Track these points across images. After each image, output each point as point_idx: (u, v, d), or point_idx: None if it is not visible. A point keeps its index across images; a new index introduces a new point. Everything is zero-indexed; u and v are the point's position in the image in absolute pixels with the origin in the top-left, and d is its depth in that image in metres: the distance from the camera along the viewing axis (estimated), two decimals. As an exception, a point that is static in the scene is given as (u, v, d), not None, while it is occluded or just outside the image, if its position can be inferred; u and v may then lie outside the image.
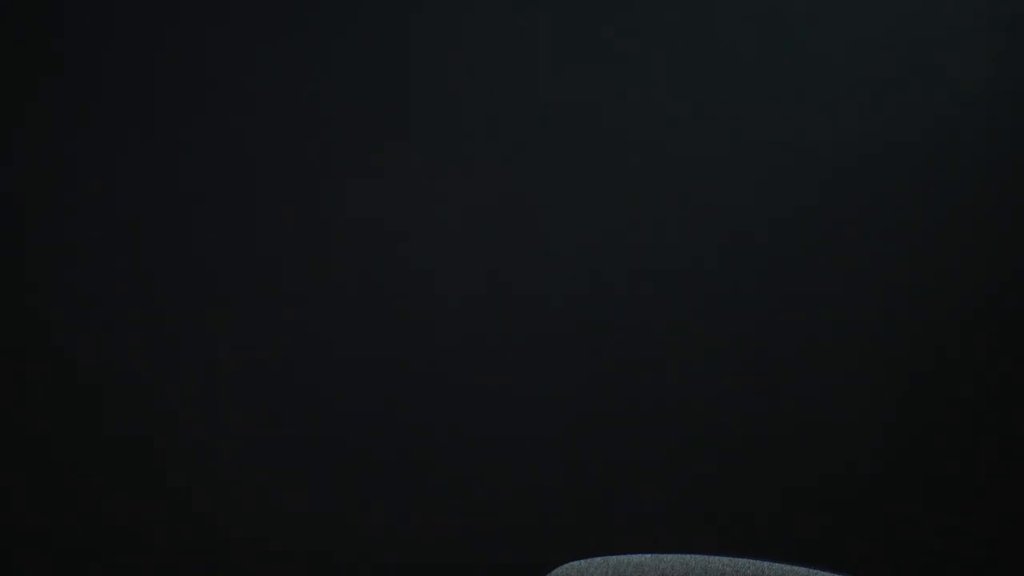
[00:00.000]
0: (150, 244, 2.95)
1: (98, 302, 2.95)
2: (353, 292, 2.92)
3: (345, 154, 2.92)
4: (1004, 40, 2.78)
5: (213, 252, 2.94)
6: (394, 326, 2.91)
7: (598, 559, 1.78)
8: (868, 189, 2.81)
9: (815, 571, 1.70)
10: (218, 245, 2.94)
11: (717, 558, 1.75)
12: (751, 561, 1.73)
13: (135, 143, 2.95)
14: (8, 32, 2.97)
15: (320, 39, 2.93)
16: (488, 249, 2.89)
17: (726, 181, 2.84)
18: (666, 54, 2.86)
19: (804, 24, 2.83)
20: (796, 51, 2.83)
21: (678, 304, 2.85)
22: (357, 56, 2.92)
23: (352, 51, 2.92)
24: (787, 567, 1.71)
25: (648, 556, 1.76)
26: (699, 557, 1.75)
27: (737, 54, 2.84)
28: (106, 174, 2.96)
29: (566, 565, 1.78)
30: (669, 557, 1.75)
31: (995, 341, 2.78)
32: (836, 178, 2.81)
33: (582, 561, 1.79)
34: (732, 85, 2.84)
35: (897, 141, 2.80)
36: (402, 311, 2.91)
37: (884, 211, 2.80)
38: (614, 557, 1.78)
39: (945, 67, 2.79)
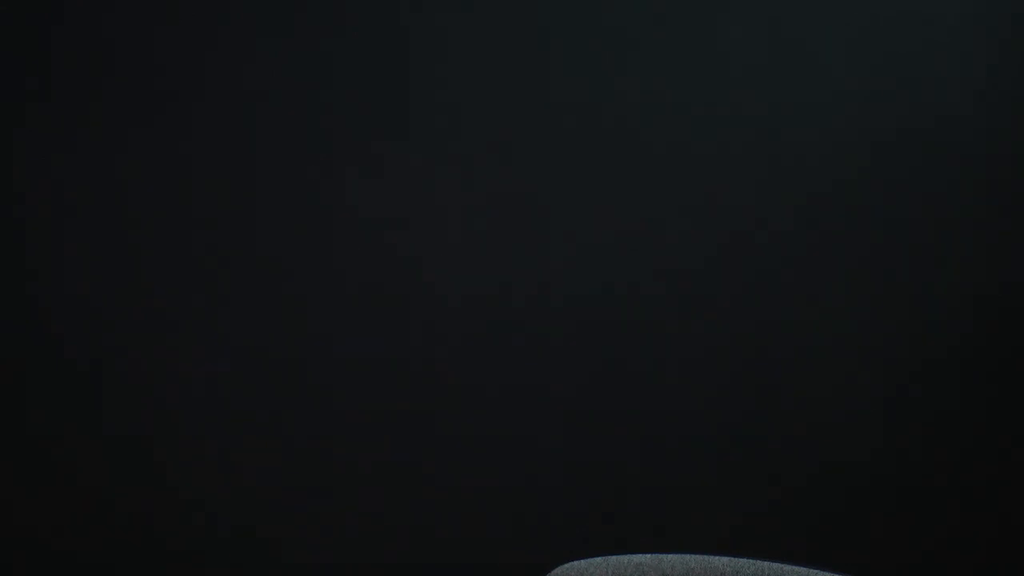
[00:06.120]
0: (150, 243, 2.95)
1: (98, 302, 2.95)
2: (353, 291, 2.92)
3: (345, 153, 2.92)
4: (1004, 40, 2.78)
5: (213, 251, 2.94)
6: (394, 325, 2.91)
7: (598, 559, 1.78)
8: (868, 189, 2.81)
9: (815, 571, 1.70)
10: (218, 244, 2.94)
11: (717, 558, 1.75)
12: (751, 561, 1.73)
13: (135, 142, 2.95)
14: (8, 32, 2.97)
15: (320, 38, 2.93)
16: (488, 248, 2.89)
17: (726, 181, 2.84)
18: (667, 54, 2.86)
19: (804, 24, 2.83)
20: (796, 51, 2.83)
21: (678, 304, 2.85)
22: (357, 55, 2.92)
23: (352, 50, 2.92)
24: (787, 567, 1.71)
25: (648, 556, 1.77)
26: (699, 557, 1.75)
27: (737, 54, 2.84)
28: (105, 173, 2.96)
29: (566, 565, 1.79)
30: (669, 557, 1.76)
31: (995, 341, 2.78)
32: (836, 178, 2.81)
33: (582, 561, 1.79)
34: (732, 85, 2.84)
35: (897, 141, 2.80)
36: (402, 310, 2.91)
37: (883, 211, 2.80)
38: (614, 557, 1.78)
39: (945, 67, 2.79)
